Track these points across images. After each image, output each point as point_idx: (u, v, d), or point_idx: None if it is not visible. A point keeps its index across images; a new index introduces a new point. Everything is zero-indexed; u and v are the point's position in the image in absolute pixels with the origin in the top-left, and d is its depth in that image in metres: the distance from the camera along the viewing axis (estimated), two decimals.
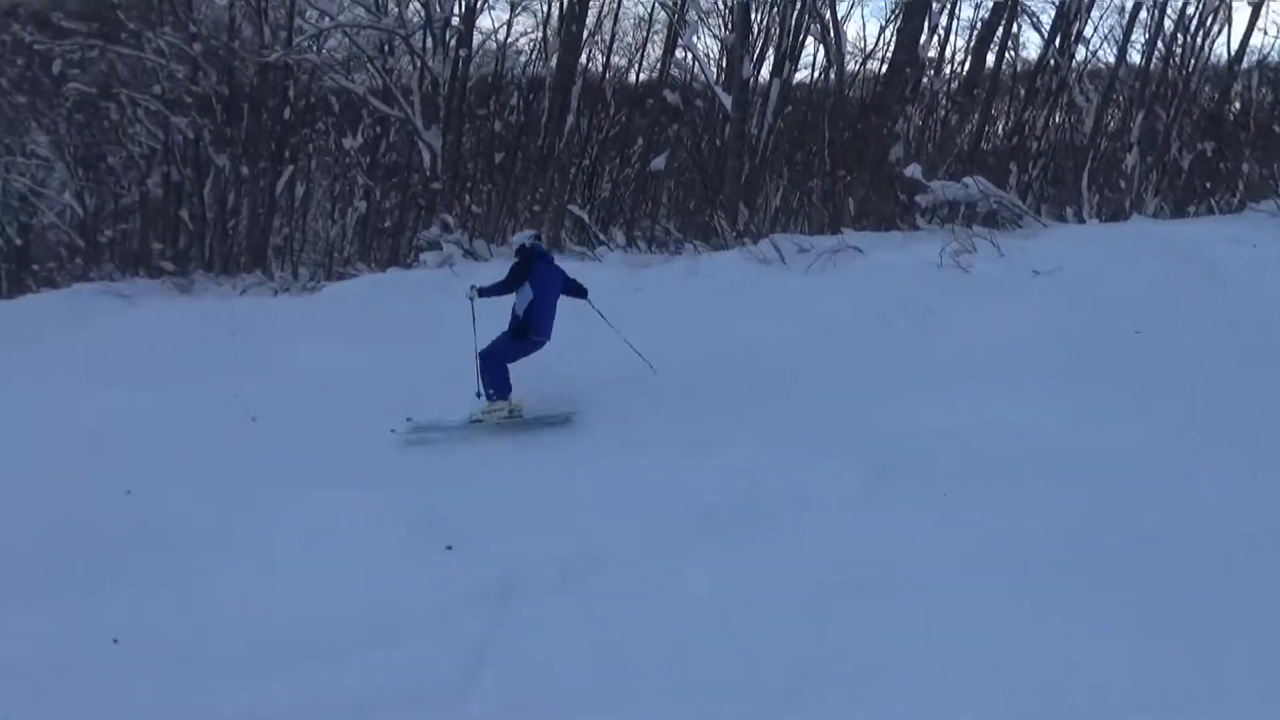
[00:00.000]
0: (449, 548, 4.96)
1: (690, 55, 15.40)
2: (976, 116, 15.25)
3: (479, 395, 7.02)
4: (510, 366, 7.11)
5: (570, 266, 11.46)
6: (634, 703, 3.67)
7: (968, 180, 10.85)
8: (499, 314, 7.26)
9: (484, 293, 7.07)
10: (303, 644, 4.17)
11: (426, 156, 15.31)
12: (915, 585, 4.23)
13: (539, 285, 7.04)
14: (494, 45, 18.39)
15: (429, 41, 15.47)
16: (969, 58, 15.34)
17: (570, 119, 16.16)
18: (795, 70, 15.54)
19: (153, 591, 4.84)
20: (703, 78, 15.68)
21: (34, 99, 20.26)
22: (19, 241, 23.51)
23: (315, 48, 16.77)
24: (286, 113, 17.58)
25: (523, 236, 7.58)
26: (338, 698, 3.80)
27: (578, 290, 7.58)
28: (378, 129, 18.73)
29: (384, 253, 17.62)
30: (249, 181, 17.82)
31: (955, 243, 9.49)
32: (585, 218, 14.07)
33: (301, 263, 19.13)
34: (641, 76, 19.31)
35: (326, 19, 15.99)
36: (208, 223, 18.75)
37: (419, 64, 15.49)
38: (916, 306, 8.49)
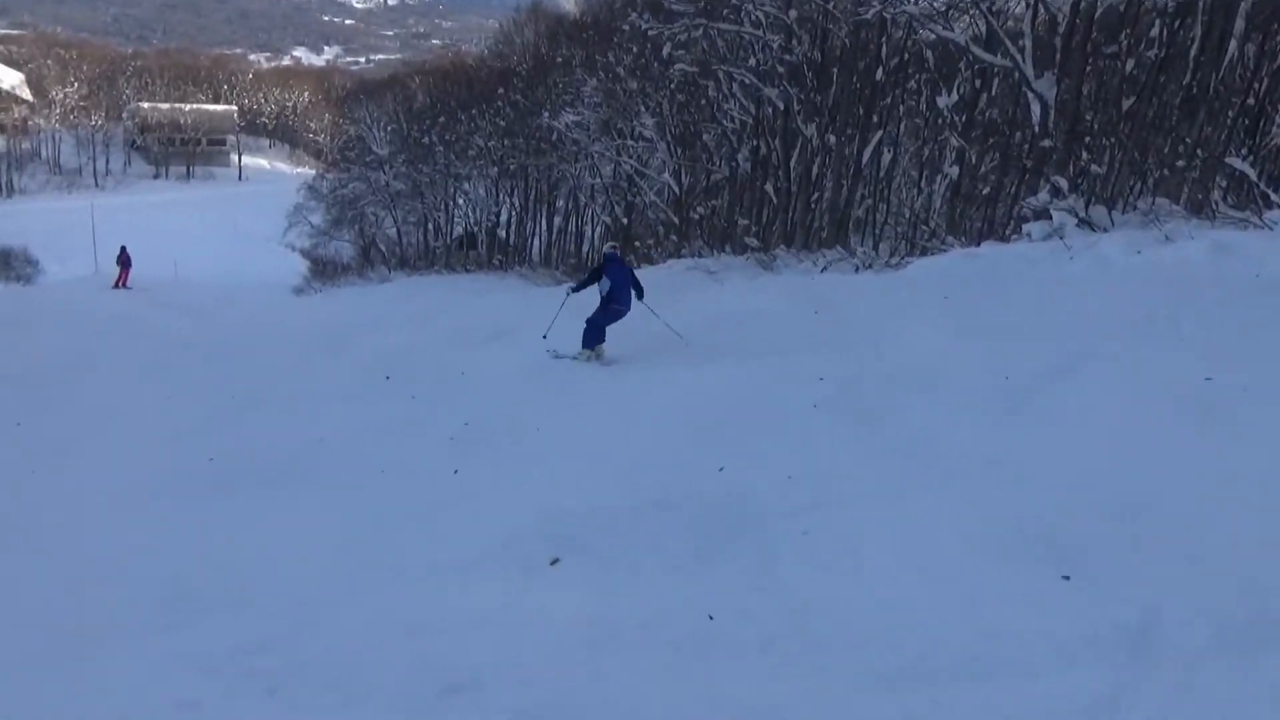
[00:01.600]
0: (1066, 578, 4.62)
1: None
2: None
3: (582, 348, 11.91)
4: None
5: (1220, 236, 9.96)
6: None
7: None
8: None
9: (574, 290, 12.40)
10: (895, 659, 4.22)
11: (1036, 109, 14.57)
12: None
13: (612, 276, 11.70)
14: None
15: None
16: None
17: (1232, 46, 14.01)
18: None
19: (743, 570, 5.35)
20: None
21: (644, 84, 24.03)
22: (625, 220, 28.17)
23: None
24: (878, 73, 18.20)
25: (607, 248, 12.92)
26: None
27: (639, 290, 11.95)
28: (977, 82, 18.33)
29: (977, 223, 17.24)
30: (834, 150, 18.86)
31: None
32: (1250, 172, 12.11)
33: (883, 236, 19.68)
34: None
35: None
36: (791, 196, 20.30)
37: (1033, 1, 14.78)
38: None
